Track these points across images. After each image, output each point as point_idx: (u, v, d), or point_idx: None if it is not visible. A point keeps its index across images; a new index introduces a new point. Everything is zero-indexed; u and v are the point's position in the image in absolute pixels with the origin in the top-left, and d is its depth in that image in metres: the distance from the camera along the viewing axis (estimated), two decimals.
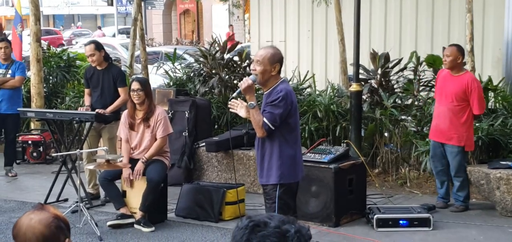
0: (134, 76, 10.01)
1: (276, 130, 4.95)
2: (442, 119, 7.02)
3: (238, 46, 10.35)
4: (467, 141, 7.00)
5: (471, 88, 6.88)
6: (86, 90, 7.95)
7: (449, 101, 6.96)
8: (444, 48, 8.04)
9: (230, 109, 5.11)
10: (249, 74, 9.29)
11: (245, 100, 5.05)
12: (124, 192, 6.93)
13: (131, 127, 6.95)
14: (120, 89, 7.71)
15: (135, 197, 6.83)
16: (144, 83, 7.04)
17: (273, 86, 5.01)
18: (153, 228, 6.67)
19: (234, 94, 5.08)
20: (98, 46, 7.79)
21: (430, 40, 10.93)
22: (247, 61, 9.58)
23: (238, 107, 5.01)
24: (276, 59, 5.00)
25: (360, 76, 8.35)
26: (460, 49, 7.07)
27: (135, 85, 6.88)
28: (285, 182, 5.03)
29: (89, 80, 7.86)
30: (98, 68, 7.75)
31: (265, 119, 4.91)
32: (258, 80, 5.01)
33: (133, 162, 6.87)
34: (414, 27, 11.26)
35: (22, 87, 9.83)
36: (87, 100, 7.90)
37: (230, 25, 31.59)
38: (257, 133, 5.01)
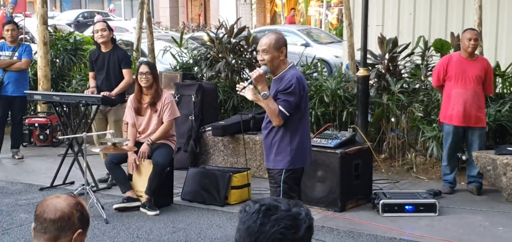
0: (141, 60, 10.03)
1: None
2: (470, 103, 7.04)
3: (245, 31, 10.28)
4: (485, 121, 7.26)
5: (489, 71, 7.20)
6: (91, 74, 7.94)
7: (474, 85, 7.04)
8: (452, 33, 8.02)
9: (238, 92, 5.08)
10: (256, 60, 9.31)
11: (257, 90, 5.01)
12: (130, 176, 6.95)
13: (138, 111, 6.95)
14: (124, 71, 7.70)
15: (141, 180, 6.85)
16: (153, 67, 7.06)
17: (282, 72, 4.97)
18: (158, 212, 6.68)
19: (246, 84, 5.00)
20: (109, 27, 7.84)
21: (444, 27, 10.82)
22: (254, 45, 9.55)
23: (246, 89, 4.98)
24: (281, 44, 4.96)
25: (368, 61, 8.31)
26: None
27: (143, 69, 6.88)
28: (293, 167, 5.01)
29: (94, 63, 7.85)
30: (103, 50, 7.74)
31: (280, 107, 4.88)
32: (269, 70, 4.96)
33: (139, 145, 6.87)
34: (427, 12, 11.16)
35: (29, 69, 9.85)
36: (92, 83, 7.90)
37: (292, 9, 29.83)
38: (273, 122, 4.96)
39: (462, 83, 7.05)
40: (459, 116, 7.08)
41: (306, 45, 17.80)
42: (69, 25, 27.06)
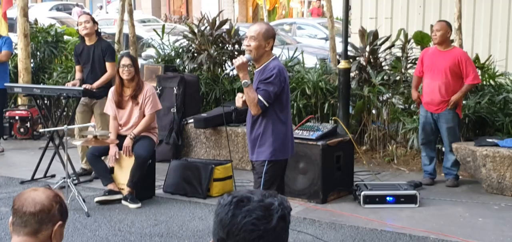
0: (123, 52, 9.99)
1: (269, 107, 4.95)
2: (437, 94, 7.08)
3: (227, 23, 10.27)
4: (459, 108, 7.17)
5: (464, 60, 7.07)
6: (77, 67, 7.93)
7: (443, 76, 7.05)
8: (432, 25, 8.08)
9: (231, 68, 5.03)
10: (239, 51, 9.32)
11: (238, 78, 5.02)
12: (112, 168, 6.93)
13: (119, 104, 6.92)
14: (107, 64, 7.68)
15: (123, 173, 6.84)
16: (134, 59, 7.06)
17: (265, 63, 5.00)
18: (139, 205, 6.68)
19: (227, 71, 5.04)
20: (93, 19, 7.85)
21: (422, 19, 10.88)
22: (236, 37, 9.55)
23: (238, 61, 4.95)
24: (270, 35, 4.99)
25: (349, 54, 8.34)
26: (448, 25, 7.30)
27: (126, 61, 6.86)
28: (275, 159, 5.04)
29: (79, 57, 7.82)
30: (87, 43, 7.72)
31: (259, 96, 4.91)
32: (253, 58, 4.99)
33: (121, 138, 6.85)
34: (405, 4, 11.21)
35: (9, 62, 9.77)
36: (78, 75, 7.89)
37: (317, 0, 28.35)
38: (251, 111, 5.00)
39: (431, 73, 7.16)
40: (428, 104, 7.19)
41: (326, 39, 17.55)
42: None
